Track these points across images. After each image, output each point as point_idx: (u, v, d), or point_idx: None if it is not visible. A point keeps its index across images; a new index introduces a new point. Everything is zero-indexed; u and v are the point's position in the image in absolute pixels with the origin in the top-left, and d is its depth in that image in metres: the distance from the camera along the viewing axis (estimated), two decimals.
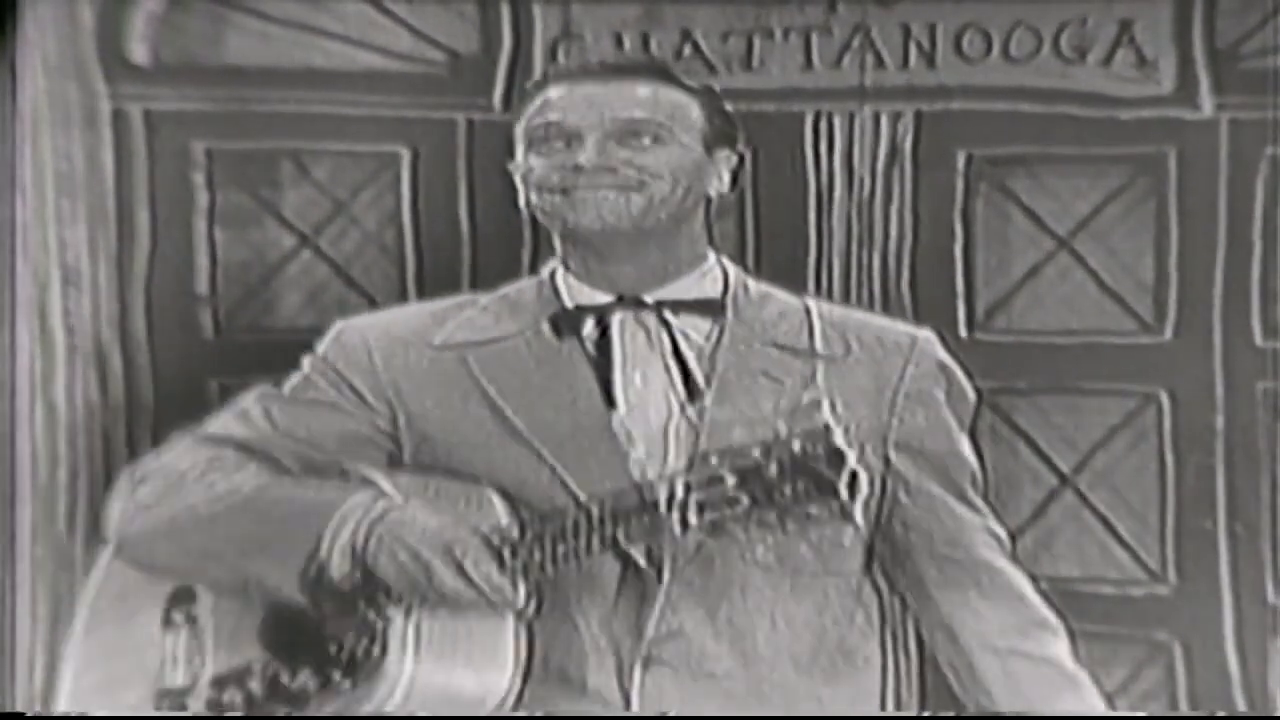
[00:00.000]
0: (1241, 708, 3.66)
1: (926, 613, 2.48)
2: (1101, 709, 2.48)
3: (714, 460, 2.20)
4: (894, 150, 3.72)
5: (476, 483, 2.34)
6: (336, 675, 2.30)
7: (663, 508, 2.22)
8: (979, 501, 2.50)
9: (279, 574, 2.32)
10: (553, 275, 2.47)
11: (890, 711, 2.51)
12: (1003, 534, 2.50)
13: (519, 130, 2.44)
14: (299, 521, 2.32)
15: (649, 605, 2.35)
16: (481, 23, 3.75)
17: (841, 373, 2.43)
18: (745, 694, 2.38)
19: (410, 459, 2.41)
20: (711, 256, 2.49)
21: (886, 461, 2.44)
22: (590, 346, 2.42)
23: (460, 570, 2.24)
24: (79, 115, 3.66)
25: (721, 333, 2.43)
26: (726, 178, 2.47)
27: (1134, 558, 3.73)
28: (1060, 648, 2.47)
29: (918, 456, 2.45)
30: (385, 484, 2.34)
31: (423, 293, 3.60)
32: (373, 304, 3.63)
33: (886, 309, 3.57)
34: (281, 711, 2.32)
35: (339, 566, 2.29)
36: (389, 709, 2.26)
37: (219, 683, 2.36)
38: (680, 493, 2.20)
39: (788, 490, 2.16)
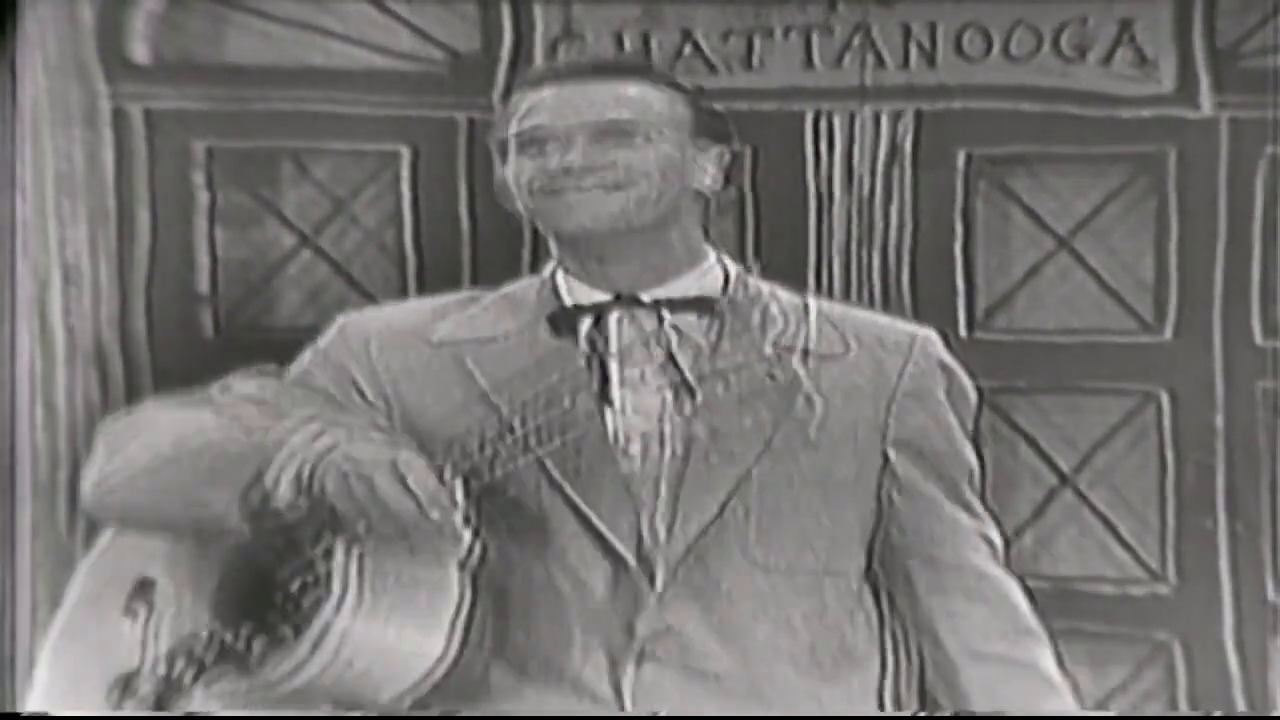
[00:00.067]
0: (1242, 707, 3.66)
1: (914, 614, 2.47)
2: None
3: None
4: (894, 149, 3.72)
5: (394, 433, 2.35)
6: (282, 627, 2.29)
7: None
8: (976, 504, 2.50)
9: (223, 500, 2.31)
10: (553, 274, 2.47)
11: (890, 711, 2.50)
12: (997, 540, 2.49)
13: (506, 134, 2.44)
14: (248, 451, 2.32)
15: (641, 603, 2.35)
16: (482, 22, 3.75)
17: (840, 371, 2.43)
18: (743, 693, 2.38)
19: None
20: (711, 255, 2.49)
21: (884, 460, 2.44)
22: (587, 345, 2.42)
23: (403, 483, 2.24)
24: (79, 114, 3.66)
25: (720, 331, 2.43)
26: (718, 174, 2.46)
27: (1134, 557, 3.73)
28: (1045, 656, 2.46)
29: (916, 456, 2.45)
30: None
31: (423, 292, 3.60)
32: (373, 303, 3.63)
33: (887, 308, 3.57)
34: (231, 673, 2.31)
35: (283, 495, 2.28)
36: (319, 659, 2.25)
37: (170, 656, 2.36)
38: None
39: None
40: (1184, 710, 3.69)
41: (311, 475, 2.27)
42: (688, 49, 3.72)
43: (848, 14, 3.71)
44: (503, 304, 2.48)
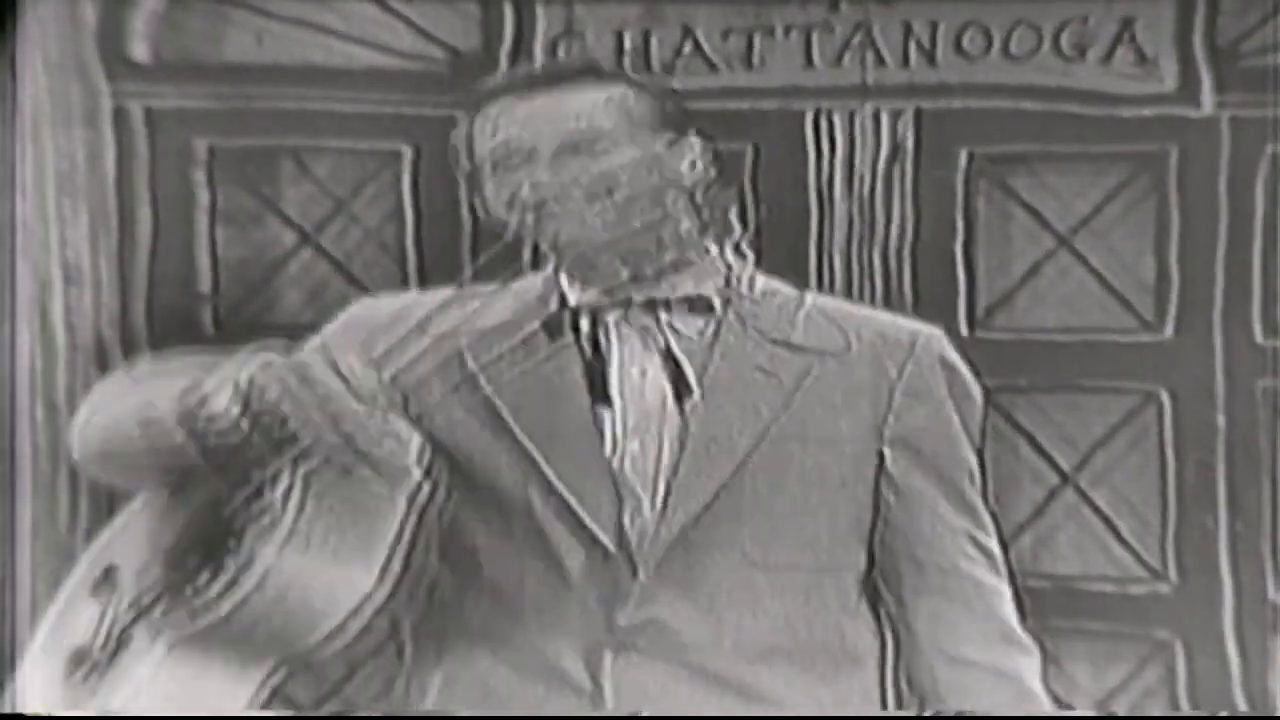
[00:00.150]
0: (1242, 706, 3.66)
1: (899, 613, 2.47)
2: None
3: None
4: (895, 148, 3.72)
5: None
6: (226, 560, 2.28)
7: None
8: (979, 506, 2.48)
9: (164, 402, 2.30)
10: (556, 272, 2.48)
11: (891, 711, 2.50)
12: (991, 545, 2.46)
13: (473, 159, 2.43)
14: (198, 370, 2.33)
15: (621, 592, 2.35)
16: (483, 20, 3.75)
17: (840, 368, 2.43)
18: (733, 690, 2.38)
19: None
20: (712, 251, 2.49)
21: (880, 459, 2.44)
22: (585, 345, 2.43)
23: (334, 368, 2.25)
24: (80, 113, 3.66)
25: (718, 329, 2.43)
26: (696, 165, 2.45)
27: (1135, 556, 3.73)
28: (1027, 667, 2.43)
29: (913, 454, 2.44)
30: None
31: (424, 290, 3.61)
32: None
33: (888, 307, 3.56)
34: (175, 613, 2.29)
35: (220, 403, 2.27)
36: (244, 590, 2.24)
37: (120, 618, 2.36)
38: None
39: None
40: (1185, 709, 3.69)
41: (251, 382, 2.26)
42: (688, 47, 3.71)
43: (848, 13, 3.71)
44: (506, 299, 2.48)
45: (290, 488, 2.26)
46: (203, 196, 3.74)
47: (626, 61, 3.69)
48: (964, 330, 3.69)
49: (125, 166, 3.70)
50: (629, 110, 2.41)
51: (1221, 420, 3.69)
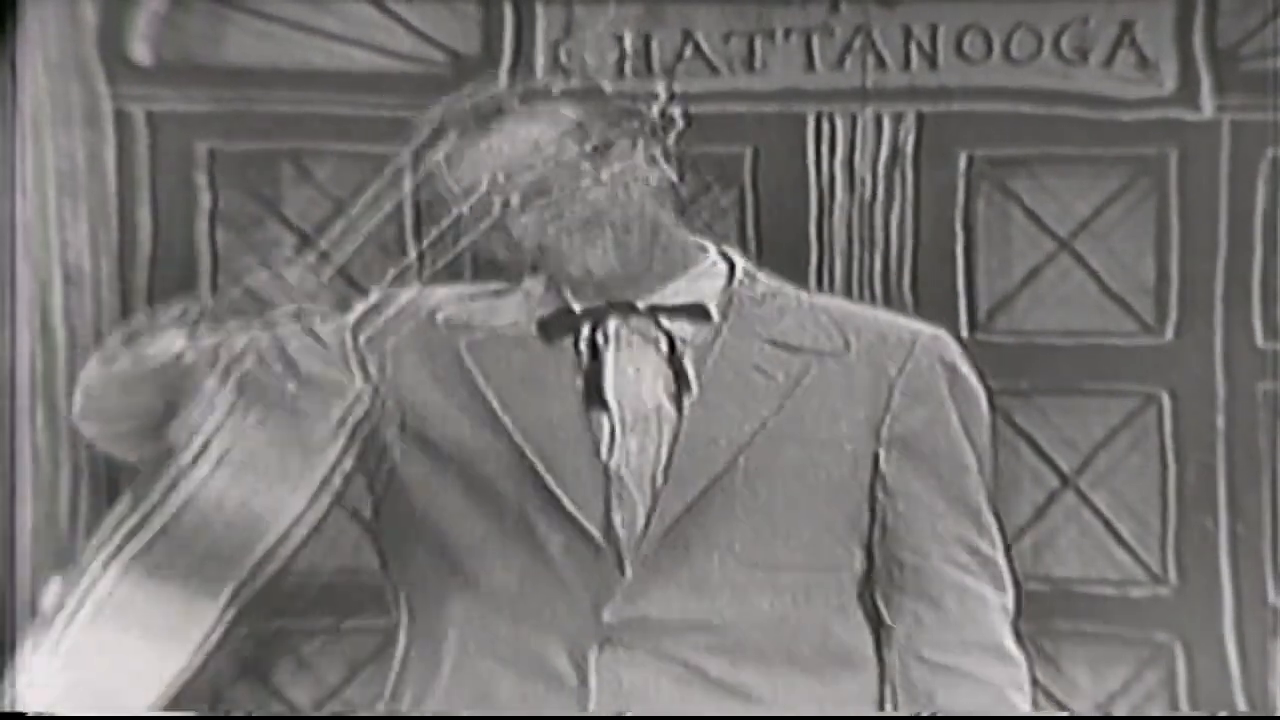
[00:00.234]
0: (1242, 708, 3.66)
1: (883, 613, 2.46)
2: None
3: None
4: (895, 151, 3.72)
5: None
6: (159, 481, 2.29)
7: None
8: (978, 508, 2.48)
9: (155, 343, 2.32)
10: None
11: (890, 712, 2.50)
12: (988, 551, 2.45)
13: (442, 191, 2.44)
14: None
15: (610, 587, 2.35)
16: (483, 23, 3.75)
17: (838, 368, 2.43)
18: (725, 687, 2.38)
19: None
20: (711, 252, 2.49)
21: (875, 459, 2.43)
22: (584, 348, 2.43)
23: (279, 277, 2.25)
24: (80, 115, 3.66)
25: (717, 332, 2.43)
26: (660, 164, 2.44)
27: (1135, 558, 3.73)
28: (1007, 676, 2.43)
29: (910, 455, 2.44)
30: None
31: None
32: None
33: (888, 309, 3.57)
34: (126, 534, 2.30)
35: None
36: (174, 505, 2.24)
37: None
38: None
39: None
40: (1185, 712, 3.69)
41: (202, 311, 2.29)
42: (689, 50, 3.71)
43: (849, 15, 3.71)
44: (510, 299, 2.49)
45: (228, 409, 2.26)
46: (204, 199, 3.74)
47: (627, 65, 3.70)
48: (964, 332, 3.68)
49: (126, 169, 3.70)
50: (576, 132, 2.40)
51: (1222, 422, 3.69)
